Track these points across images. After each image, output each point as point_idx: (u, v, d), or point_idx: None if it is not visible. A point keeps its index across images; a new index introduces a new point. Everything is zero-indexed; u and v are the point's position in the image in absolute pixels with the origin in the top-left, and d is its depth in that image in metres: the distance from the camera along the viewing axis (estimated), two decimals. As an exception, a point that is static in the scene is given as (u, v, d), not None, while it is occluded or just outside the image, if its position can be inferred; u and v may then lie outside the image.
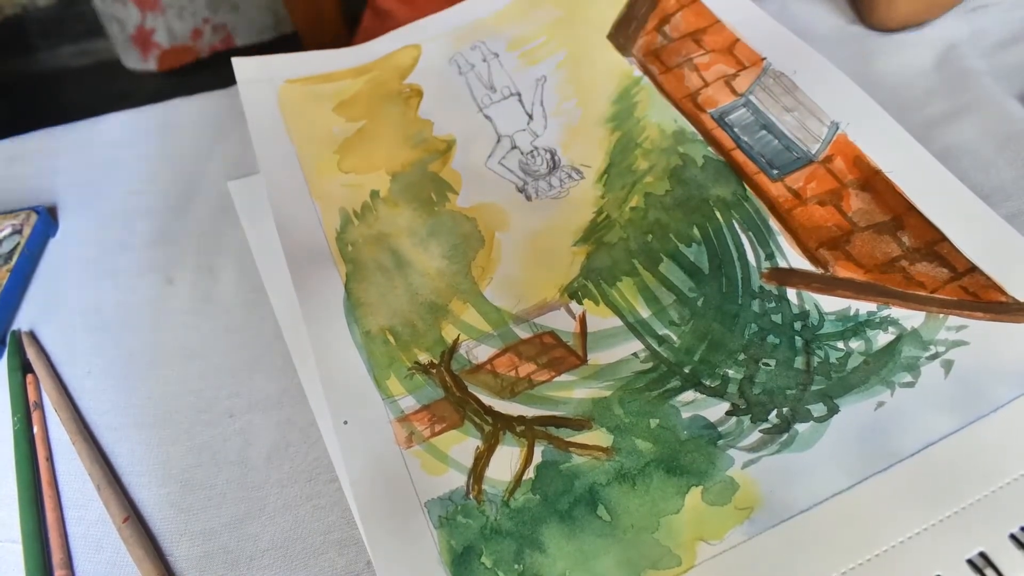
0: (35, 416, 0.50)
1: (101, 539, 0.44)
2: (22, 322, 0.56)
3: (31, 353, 0.53)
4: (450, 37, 0.65)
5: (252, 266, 0.56)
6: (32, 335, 0.55)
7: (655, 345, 0.45)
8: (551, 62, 0.62)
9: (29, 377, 0.52)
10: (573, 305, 0.48)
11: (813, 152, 0.51)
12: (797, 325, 0.45)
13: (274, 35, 2.26)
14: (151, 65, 2.23)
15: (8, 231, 0.59)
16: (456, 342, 0.47)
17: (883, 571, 0.36)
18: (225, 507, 0.45)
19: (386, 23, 0.90)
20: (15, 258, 0.58)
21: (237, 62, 0.63)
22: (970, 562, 0.36)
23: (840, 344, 0.44)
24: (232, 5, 2.20)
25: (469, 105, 0.61)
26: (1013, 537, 0.36)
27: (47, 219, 0.61)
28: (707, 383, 0.43)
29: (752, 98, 0.55)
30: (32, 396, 0.51)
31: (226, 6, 2.19)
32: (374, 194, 0.55)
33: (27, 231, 0.59)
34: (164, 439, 0.48)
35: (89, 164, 0.67)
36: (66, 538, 0.45)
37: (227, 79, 0.65)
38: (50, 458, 0.48)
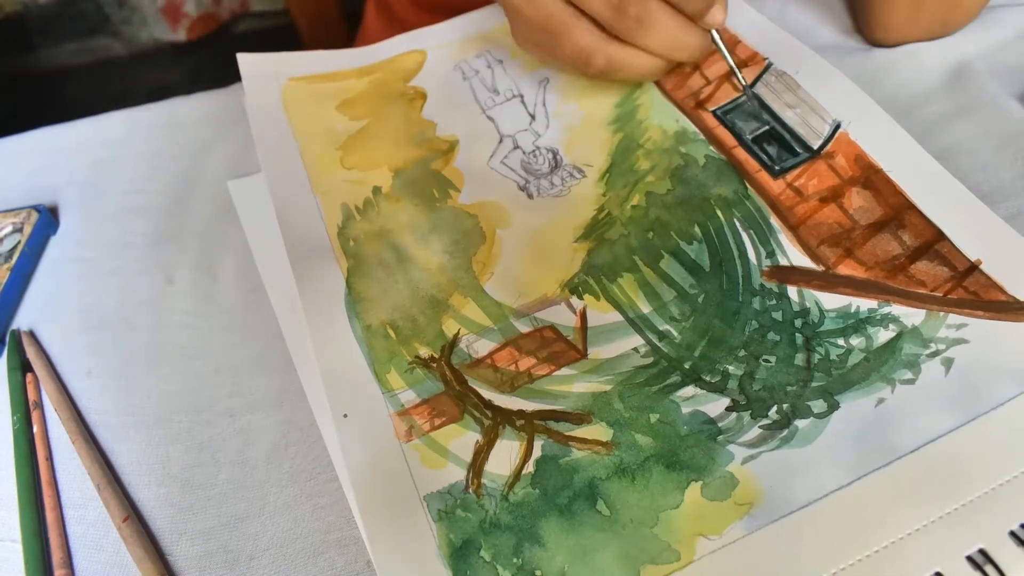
0: (35, 415, 0.50)
1: (101, 539, 0.44)
2: (22, 321, 0.56)
3: (31, 352, 0.53)
4: (456, 46, 0.66)
5: (252, 266, 0.56)
6: (32, 334, 0.55)
7: (655, 340, 0.45)
8: (555, 67, 0.62)
9: (29, 376, 0.52)
10: (574, 300, 0.48)
11: (815, 149, 0.52)
12: (798, 322, 0.45)
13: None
14: (181, 35, 2.31)
15: (9, 229, 0.59)
16: (456, 336, 0.47)
17: (883, 567, 0.36)
18: (225, 506, 0.45)
19: (392, 23, 0.91)
20: (15, 257, 0.58)
21: (242, 58, 0.63)
22: (970, 559, 0.36)
23: (841, 341, 0.44)
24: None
25: (472, 107, 0.61)
26: (1013, 534, 0.36)
27: (48, 218, 0.61)
28: (707, 379, 0.43)
29: (754, 94, 0.55)
30: (32, 395, 0.51)
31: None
32: (376, 190, 0.55)
33: (28, 230, 0.59)
34: (164, 439, 0.48)
35: (90, 163, 0.67)
36: (66, 537, 0.45)
37: (243, 46, 0.65)
38: (50, 458, 0.48)
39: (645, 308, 0.47)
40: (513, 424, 0.43)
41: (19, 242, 0.58)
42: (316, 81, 0.63)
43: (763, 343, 0.44)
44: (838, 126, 0.52)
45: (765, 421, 0.41)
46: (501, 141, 0.58)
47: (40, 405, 0.50)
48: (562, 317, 0.47)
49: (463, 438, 0.43)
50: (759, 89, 0.56)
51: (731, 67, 0.55)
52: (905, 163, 0.50)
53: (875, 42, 0.65)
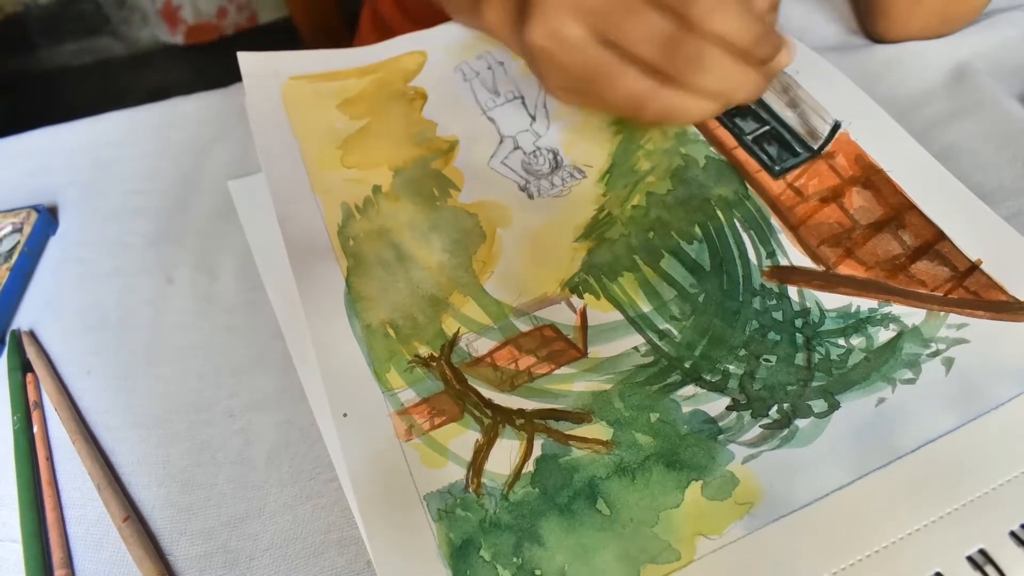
0: (35, 415, 0.50)
1: (101, 538, 0.44)
2: (22, 321, 0.56)
3: (31, 352, 0.53)
4: (457, 47, 0.65)
5: (252, 266, 0.56)
6: (32, 334, 0.55)
7: (656, 339, 0.45)
8: (555, 67, 0.62)
9: (29, 376, 0.52)
10: (574, 299, 0.48)
11: (815, 149, 0.51)
12: (798, 322, 0.45)
13: (297, 11, 2.32)
14: (178, 39, 2.31)
15: (8, 230, 0.59)
16: (456, 335, 0.47)
17: (883, 567, 0.36)
18: (225, 507, 0.45)
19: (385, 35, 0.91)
20: (15, 257, 0.58)
21: (243, 56, 0.63)
22: (970, 559, 0.36)
23: (841, 341, 0.44)
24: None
25: (473, 108, 0.61)
26: (1013, 534, 0.36)
27: (47, 218, 0.61)
28: (708, 378, 0.43)
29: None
30: (32, 395, 0.51)
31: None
32: (376, 189, 0.55)
33: (27, 230, 0.59)
34: (164, 439, 0.48)
35: (89, 163, 0.67)
36: (66, 537, 0.45)
37: (243, 47, 0.65)
38: (50, 457, 0.48)
39: (645, 307, 0.47)
40: (513, 423, 0.43)
41: (18, 242, 0.58)
42: (317, 80, 0.63)
43: (763, 343, 0.44)
44: (838, 126, 0.52)
45: (765, 420, 0.41)
46: (502, 141, 0.58)
47: (40, 405, 0.50)
48: (562, 316, 0.47)
49: (463, 437, 0.43)
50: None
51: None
52: (905, 163, 0.50)
53: (876, 36, 0.65)
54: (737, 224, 0.50)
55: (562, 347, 0.46)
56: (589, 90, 0.48)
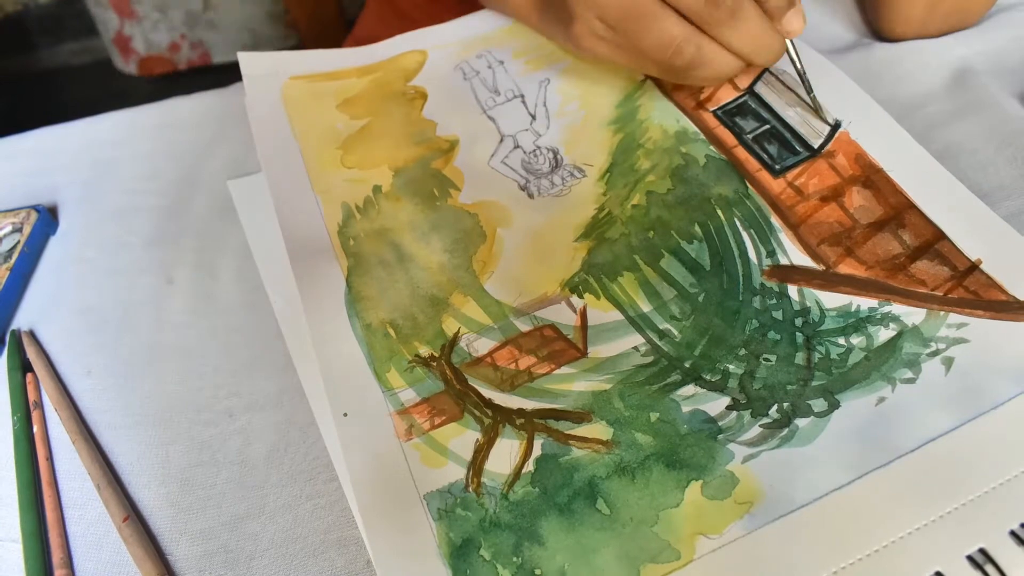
0: (35, 415, 0.50)
1: (101, 538, 0.44)
2: (22, 321, 0.56)
3: (31, 352, 0.53)
4: (457, 47, 0.65)
5: (252, 266, 0.56)
6: (32, 334, 0.55)
7: (656, 339, 0.45)
8: (556, 68, 0.62)
9: (29, 376, 0.52)
10: (574, 299, 0.48)
11: (816, 148, 0.51)
12: (798, 321, 0.45)
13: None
14: (132, 69, 2.30)
15: (8, 229, 0.59)
16: (456, 335, 0.47)
17: (883, 567, 0.36)
18: (225, 506, 0.45)
19: (392, 16, 0.90)
20: (15, 257, 0.58)
21: (243, 56, 0.63)
22: (970, 558, 0.36)
23: (841, 340, 0.44)
24: (209, 23, 2.24)
25: (473, 107, 0.61)
26: (1013, 534, 0.36)
27: (47, 218, 0.61)
28: (707, 378, 0.43)
29: (755, 92, 0.55)
30: (32, 395, 0.51)
31: (203, 24, 2.24)
32: (376, 189, 0.55)
33: (27, 230, 0.59)
34: (164, 439, 0.48)
35: (89, 163, 0.67)
36: (66, 537, 0.45)
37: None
38: (50, 457, 0.48)
39: (645, 307, 0.47)
40: (513, 423, 0.43)
41: (18, 242, 0.58)
42: (317, 80, 0.63)
43: (763, 342, 0.44)
44: (838, 125, 0.52)
45: (765, 420, 0.41)
46: (502, 141, 0.58)
47: (40, 405, 0.50)
48: (562, 316, 0.47)
49: (463, 437, 0.43)
50: (759, 88, 0.55)
51: (803, 81, 0.53)
52: (905, 162, 0.50)
53: (893, 37, 0.65)
54: (737, 223, 0.50)
55: (562, 347, 0.46)
56: (625, 32, 0.50)
